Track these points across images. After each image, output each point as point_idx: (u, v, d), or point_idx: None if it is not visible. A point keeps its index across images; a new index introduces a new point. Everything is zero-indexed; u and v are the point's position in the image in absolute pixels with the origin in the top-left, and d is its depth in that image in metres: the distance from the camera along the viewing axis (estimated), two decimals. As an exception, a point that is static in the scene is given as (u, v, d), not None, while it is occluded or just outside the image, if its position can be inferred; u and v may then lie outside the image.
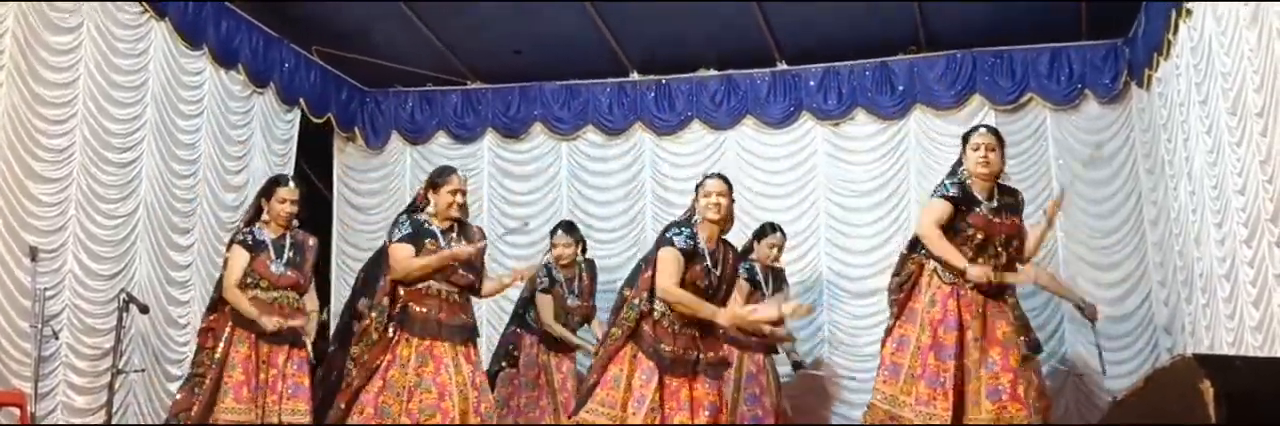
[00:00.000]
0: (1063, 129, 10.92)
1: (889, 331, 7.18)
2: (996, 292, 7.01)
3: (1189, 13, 8.41)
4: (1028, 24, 10.53)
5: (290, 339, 7.96)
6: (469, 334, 7.33)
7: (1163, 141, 9.69)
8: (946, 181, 7.02)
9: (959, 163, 7.11)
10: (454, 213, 7.29)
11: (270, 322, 7.68)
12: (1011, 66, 10.90)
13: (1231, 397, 5.00)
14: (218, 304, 8.01)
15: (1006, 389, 6.75)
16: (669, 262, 6.51)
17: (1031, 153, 10.83)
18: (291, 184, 8.18)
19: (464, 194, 7.36)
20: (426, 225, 7.26)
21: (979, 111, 11.02)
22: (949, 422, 6.72)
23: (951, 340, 6.86)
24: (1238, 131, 7.37)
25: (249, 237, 7.95)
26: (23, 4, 8.07)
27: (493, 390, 8.51)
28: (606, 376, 6.60)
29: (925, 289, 7.05)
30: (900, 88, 11.20)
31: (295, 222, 8.08)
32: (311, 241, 8.27)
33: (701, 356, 6.64)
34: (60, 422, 8.24)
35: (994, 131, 7.13)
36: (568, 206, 11.67)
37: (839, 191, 11.27)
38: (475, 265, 7.38)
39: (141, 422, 8.87)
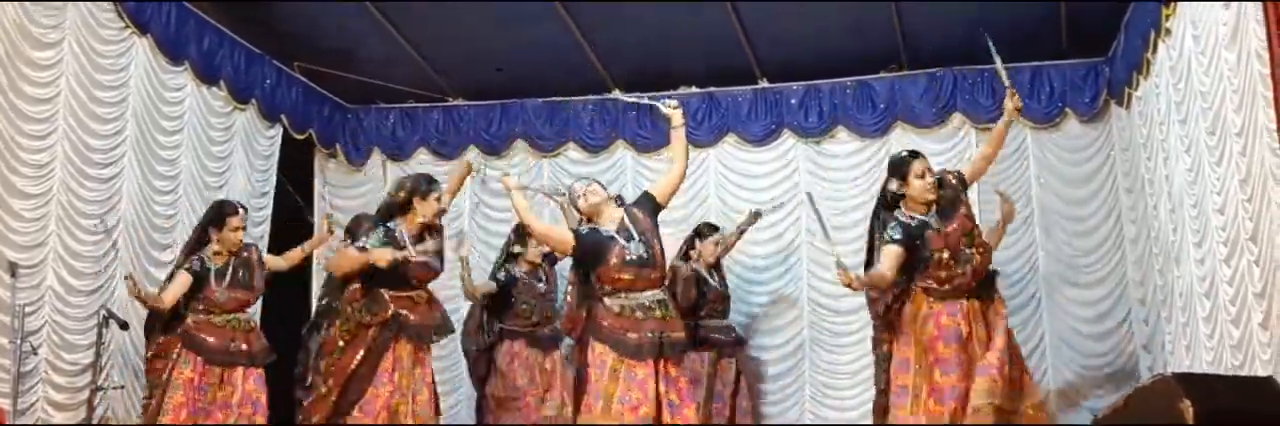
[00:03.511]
0: (1043, 147, 10.95)
1: (888, 355, 7.38)
2: (987, 294, 7.42)
3: (1168, 32, 8.44)
4: (1008, 42, 10.50)
5: (246, 358, 8.41)
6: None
7: (1142, 160, 9.73)
8: (890, 226, 7.22)
9: (892, 194, 7.30)
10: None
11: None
12: (992, 85, 10.89)
13: (1211, 416, 5.03)
14: (164, 325, 8.36)
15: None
16: None
17: (1012, 171, 10.84)
18: (241, 210, 8.59)
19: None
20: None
21: (960, 129, 11.06)
22: None
23: (952, 353, 7.04)
24: (1217, 151, 7.40)
25: (198, 265, 8.37)
26: (4, 20, 8.05)
27: None
28: None
29: (919, 309, 7.26)
30: (881, 106, 11.23)
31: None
32: (257, 256, 8.72)
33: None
34: (39, 439, 8.22)
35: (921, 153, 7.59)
36: (549, 223, 11.64)
37: (820, 209, 11.26)
38: None
39: (120, 439, 8.85)
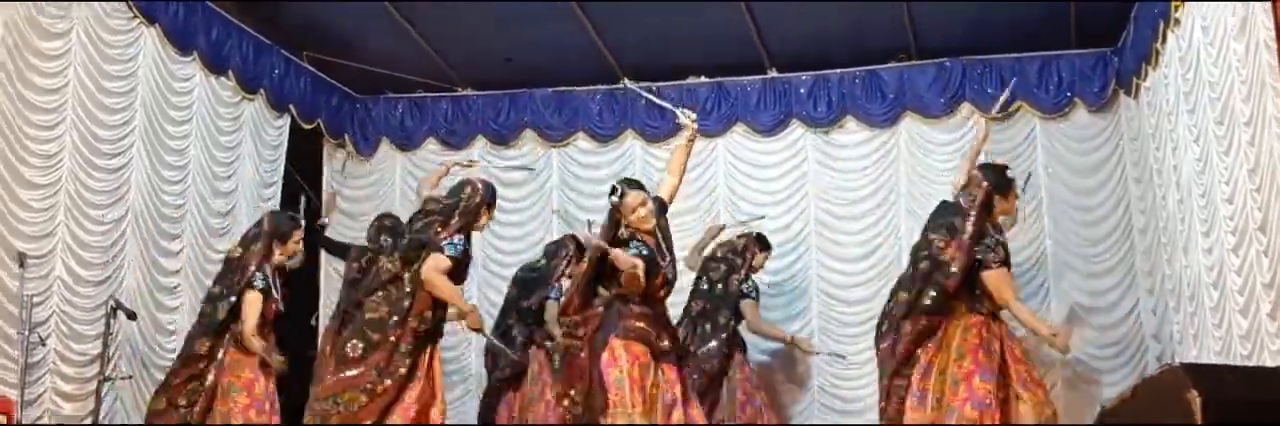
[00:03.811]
0: (1052, 137, 10.93)
1: (910, 357, 7.49)
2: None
3: (1177, 23, 8.42)
4: (1017, 33, 10.55)
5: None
6: None
7: (1151, 150, 9.71)
8: (995, 246, 7.37)
9: (987, 206, 7.44)
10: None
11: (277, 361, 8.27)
12: (1001, 75, 10.89)
13: (1219, 407, 5.01)
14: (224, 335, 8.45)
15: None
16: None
17: (1021, 161, 10.79)
18: (302, 223, 8.87)
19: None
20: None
21: (969, 119, 11.01)
22: None
23: (992, 362, 7.35)
24: (1225, 141, 7.38)
25: (264, 283, 8.45)
26: (13, 11, 8.06)
27: None
28: None
29: (959, 319, 7.40)
30: (890, 95, 11.20)
31: None
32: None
33: None
34: (47, 430, 8.23)
35: None
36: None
37: (829, 199, 11.26)
38: None
39: (128, 429, 8.87)
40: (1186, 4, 8.14)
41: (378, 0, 10.23)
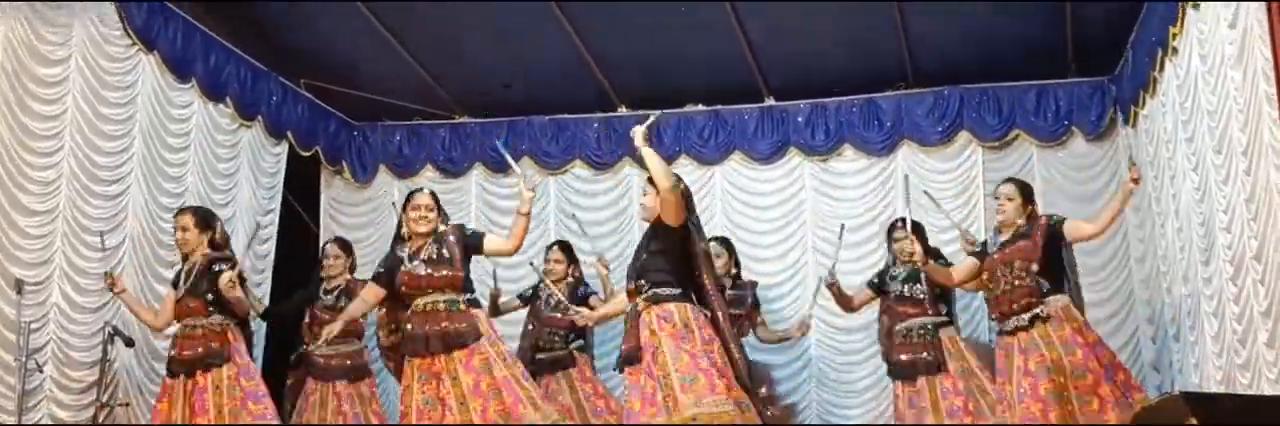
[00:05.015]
0: (1050, 166, 10.93)
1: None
2: None
3: (1175, 51, 8.43)
4: (1015, 61, 10.56)
5: None
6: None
7: (1149, 179, 9.70)
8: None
9: None
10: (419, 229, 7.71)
11: None
12: (998, 103, 10.91)
13: (1219, 435, 5.00)
14: None
15: None
16: None
17: (1019, 189, 10.83)
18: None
19: (424, 208, 7.74)
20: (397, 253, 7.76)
21: (966, 148, 11.04)
22: None
23: None
24: (1224, 169, 7.39)
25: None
26: (11, 37, 8.06)
27: None
28: None
29: None
30: (888, 124, 11.20)
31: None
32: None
33: None
34: (44, 457, 8.20)
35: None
36: (555, 240, 11.64)
37: (827, 227, 11.22)
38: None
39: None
40: (1184, 32, 8.13)
41: (354, 0, 10.21)
